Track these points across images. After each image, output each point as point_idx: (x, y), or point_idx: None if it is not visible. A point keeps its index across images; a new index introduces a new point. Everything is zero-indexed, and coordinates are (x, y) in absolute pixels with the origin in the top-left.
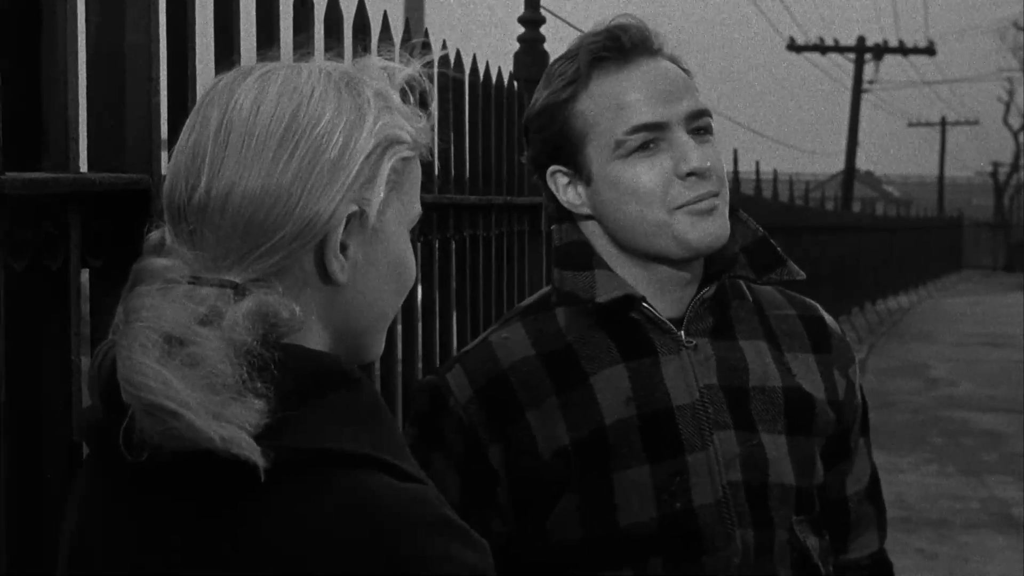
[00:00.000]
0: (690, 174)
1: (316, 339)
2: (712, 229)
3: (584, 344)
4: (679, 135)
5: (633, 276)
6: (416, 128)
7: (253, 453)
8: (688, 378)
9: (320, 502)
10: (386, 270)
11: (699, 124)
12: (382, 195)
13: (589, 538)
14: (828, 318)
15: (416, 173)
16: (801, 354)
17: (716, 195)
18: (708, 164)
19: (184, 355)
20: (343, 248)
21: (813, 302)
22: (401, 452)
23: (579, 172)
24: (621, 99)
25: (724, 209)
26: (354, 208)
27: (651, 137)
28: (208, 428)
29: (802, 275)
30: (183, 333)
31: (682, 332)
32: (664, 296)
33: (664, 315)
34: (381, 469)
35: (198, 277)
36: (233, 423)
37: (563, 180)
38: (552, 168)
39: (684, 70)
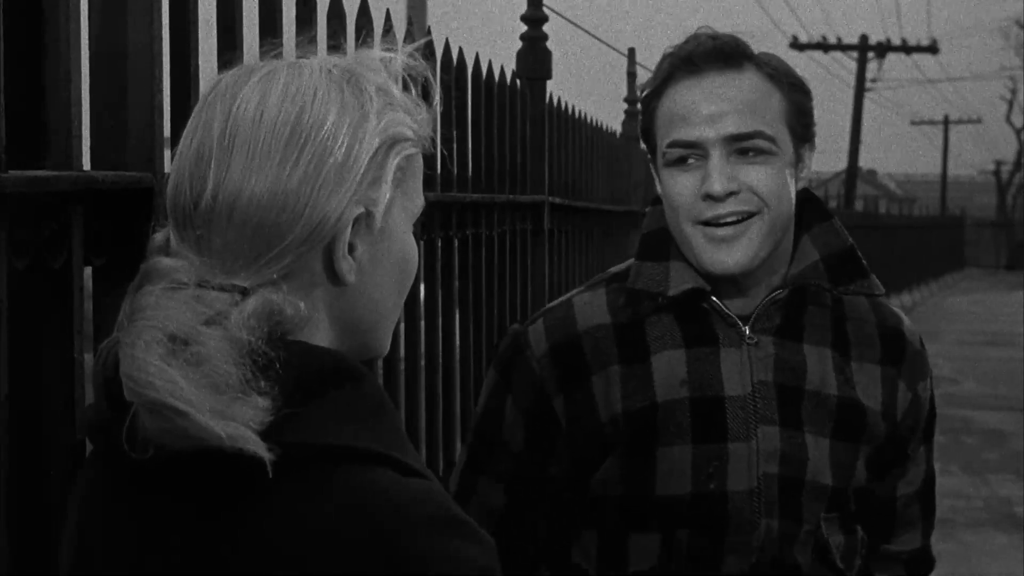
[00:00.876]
0: (708, 196)
1: (323, 337)
2: (725, 258)
3: (653, 324)
4: (714, 155)
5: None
6: (418, 120)
7: (259, 448)
8: (744, 372)
9: (321, 501)
10: (392, 266)
11: (744, 146)
12: (388, 195)
13: (627, 500)
14: (909, 332)
15: (419, 166)
16: (867, 364)
17: (745, 218)
18: (728, 189)
19: (188, 354)
20: (351, 249)
21: (900, 314)
22: (404, 447)
23: (656, 164)
24: (674, 112)
25: (756, 235)
26: (361, 210)
27: (686, 153)
28: (214, 426)
29: (882, 291)
30: (188, 333)
31: (747, 328)
32: (734, 293)
33: (733, 310)
34: (385, 464)
35: (205, 281)
36: (237, 421)
37: (655, 169)
38: (649, 153)
39: (785, 82)
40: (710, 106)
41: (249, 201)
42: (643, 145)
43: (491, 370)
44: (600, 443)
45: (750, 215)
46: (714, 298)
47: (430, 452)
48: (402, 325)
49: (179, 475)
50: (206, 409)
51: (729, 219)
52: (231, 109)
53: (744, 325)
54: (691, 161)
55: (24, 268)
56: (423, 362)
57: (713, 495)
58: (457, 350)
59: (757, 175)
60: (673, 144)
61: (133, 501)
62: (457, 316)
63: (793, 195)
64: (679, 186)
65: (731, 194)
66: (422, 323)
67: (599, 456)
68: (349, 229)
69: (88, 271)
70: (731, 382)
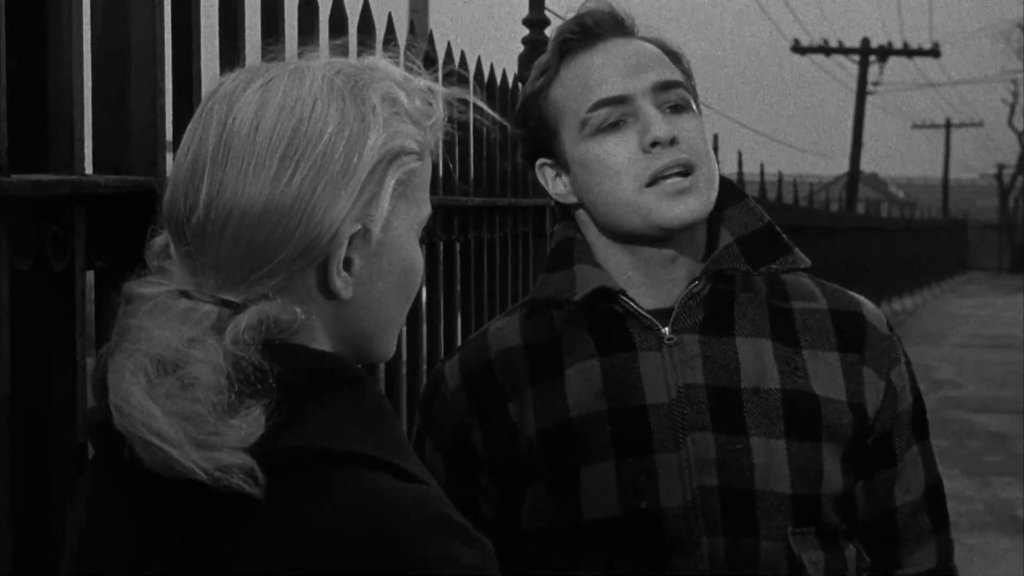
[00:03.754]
0: (654, 144)
1: (321, 345)
2: (680, 210)
3: (568, 337)
4: (645, 107)
5: (620, 264)
6: (426, 128)
7: (247, 483)
8: (667, 376)
9: (321, 502)
10: (394, 277)
11: (669, 97)
12: (387, 212)
13: (557, 529)
14: (870, 315)
15: (425, 175)
16: (822, 352)
17: (689, 169)
18: (674, 134)
19: (174, 379)
20: (348, 263)
21: (856, 297)
22: (403, 452)
23: (559, 160)
24: (586, 78)
25: (703, 187)
26: (358, 227)
27: (616, 112)
28: (194, 464)
29: (807, 263)
30: (175, 356)
31: (667, 328)
32: (656, 288)
33: (654, 306)
34: (382, 469)
35: (195, 296)
36: (224, 448)
37: (551, 173)
38: (539, 161)
39: (670, 51)
40: (626, 61)
41: (242, 217)
42: (525, 151)
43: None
44: (522, 472)
45: (692, 168)
46: (625, 298)
47: None
48: (404, 328)
49: (184, 493)
50: (186, 444)
51: (676, 169)
52: (227, 119)
53: (664, 325)
54: (619, 122)
55: (27, 270)
56: (425, 366)
57: (645, 514)
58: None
59: (687, 128)
60: (599, 104)
61: (133, 501)
62: (459, 320)
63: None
64: (613, 150)
65: (673, 141)
66: (424, 327)
67: (523, 488)
68: (345, 246)
69: (90, 274)
70: (653, 389)
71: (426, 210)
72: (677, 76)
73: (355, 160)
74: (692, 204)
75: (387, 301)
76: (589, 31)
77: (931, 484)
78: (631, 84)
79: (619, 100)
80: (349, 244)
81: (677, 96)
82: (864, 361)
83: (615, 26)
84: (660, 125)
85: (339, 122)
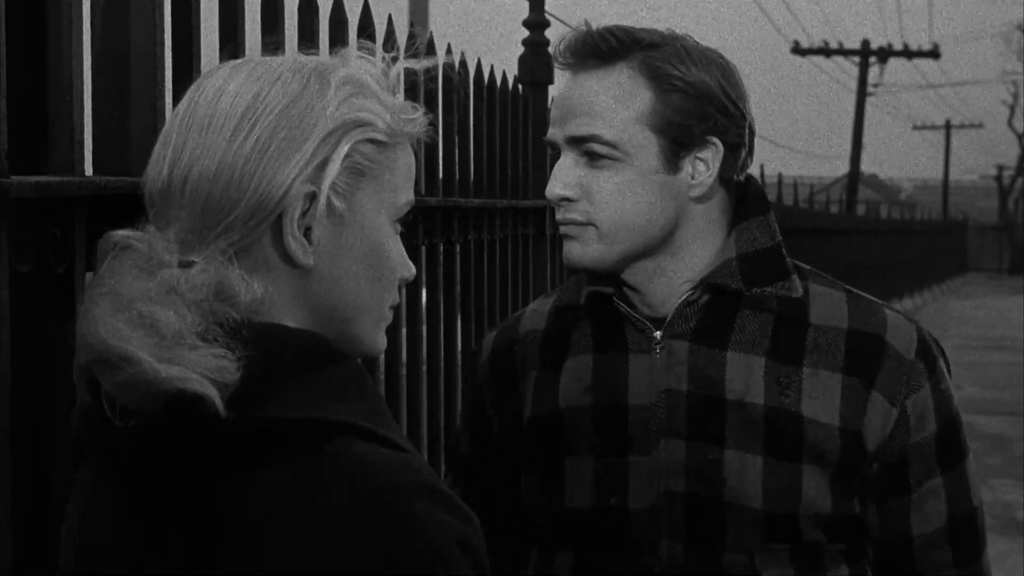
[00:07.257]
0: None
1: (293, 321)
2: (569, 253)
3: (574, 329)
4: (565, 156)
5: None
6: (399, 116)
7: (204, 387)
8: (651, 379)
9: (307, 468)
10: (360, 257)
11: (585, 148)
12: (334, 175)
13: (542, 514)
14: (894, 338)
15: (403, 162)
16: (824, 372)
17: (580, 224)
18: (561, 195)
19: (136, 311)
20: (307, 231)
21: (887, 318)
22: (388, 423)
23: None
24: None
25: (592, 239)
26: (310, 188)
27: (555, 154)
28: (157, 368)
29: (798, 292)
30: (138, 294)
31: (659, 332)
32: (649, 296)
33: (650, 313)
34: (367, 438)
35: (160, 256)
36: (183, 365)
37: None
38: None
39: (666, 80)
40: (563, 106)
41: (199, 176)
42: None
43: None
44: (521, 453)
45: (575, 224)
46: (619, 301)
47: (432, 458)
48: (403, 330)
49: (173, 465)
50: (149, 353)
51: (566, 224)
52: (196, 95)
53: (658, 329)
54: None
55: (27, 272)
56: (425, 367)
57: (613, 511)
58: (459, 356)
59: (599, 182)
60: (546, 144)
61: (133, 500)
62: (459, 321)
63: (658, 204)
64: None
65: (566, 199)
66: (424, 328)
67: (521, 467)
68: (298, 207)
69: (90, 275)
70: (636, 390)
71: (403, 198)
72: (597, 129)
73: (309, 125)
74: (576, 250)
75: (355, 279)
76: (561, 57)
77: (957, 517)
78: (555, 132)
79: (552, 145)
80: (307, 212)
81: (589, 150)
82: (873, 386)
83: (588, 55)
84: (555, 183)
85: (299, 92)
